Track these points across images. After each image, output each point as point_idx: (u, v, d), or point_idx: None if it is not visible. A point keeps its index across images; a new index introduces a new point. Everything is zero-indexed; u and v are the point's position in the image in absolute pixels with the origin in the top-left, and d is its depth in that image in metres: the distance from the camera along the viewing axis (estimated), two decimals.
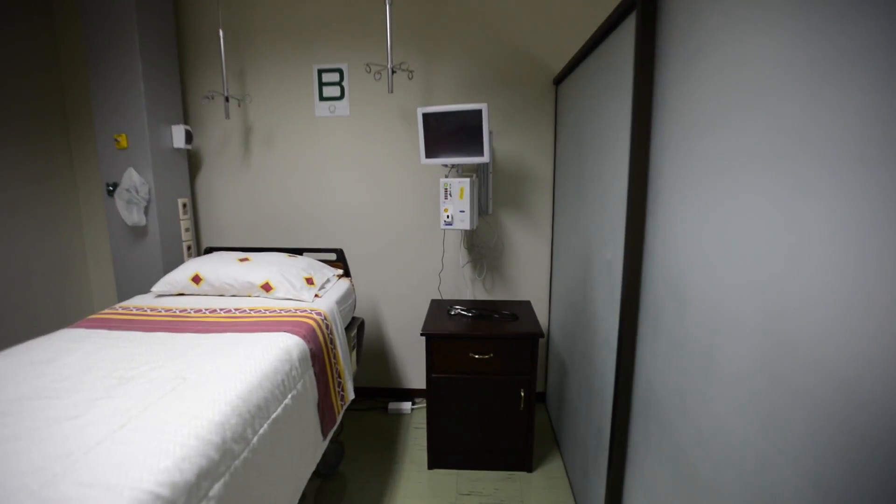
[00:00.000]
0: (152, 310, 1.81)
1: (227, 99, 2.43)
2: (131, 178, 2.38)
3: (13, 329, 2.50)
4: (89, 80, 2.40)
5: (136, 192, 2.38)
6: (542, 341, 2.81)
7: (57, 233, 2.75)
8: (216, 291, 1.95)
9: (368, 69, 2.31)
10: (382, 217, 2.75)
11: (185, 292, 1.97)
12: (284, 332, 1.56)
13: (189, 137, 2.60)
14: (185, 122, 2.74)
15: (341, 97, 2.65)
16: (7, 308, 2.49)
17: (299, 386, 1.44)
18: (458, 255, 2.72)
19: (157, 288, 1.97)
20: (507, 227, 2.68)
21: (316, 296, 1.95)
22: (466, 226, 2.31)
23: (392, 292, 2.83)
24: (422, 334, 2.12)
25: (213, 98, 2.59)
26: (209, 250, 2.44)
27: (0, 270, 2.45)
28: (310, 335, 1.61)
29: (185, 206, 2.69)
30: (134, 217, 2.40)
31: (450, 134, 2.24)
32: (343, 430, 2.58)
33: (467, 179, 2.28)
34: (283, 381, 1.35)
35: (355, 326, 2.24)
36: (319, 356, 1.63)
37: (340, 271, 2.29)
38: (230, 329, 1.59)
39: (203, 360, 1.34)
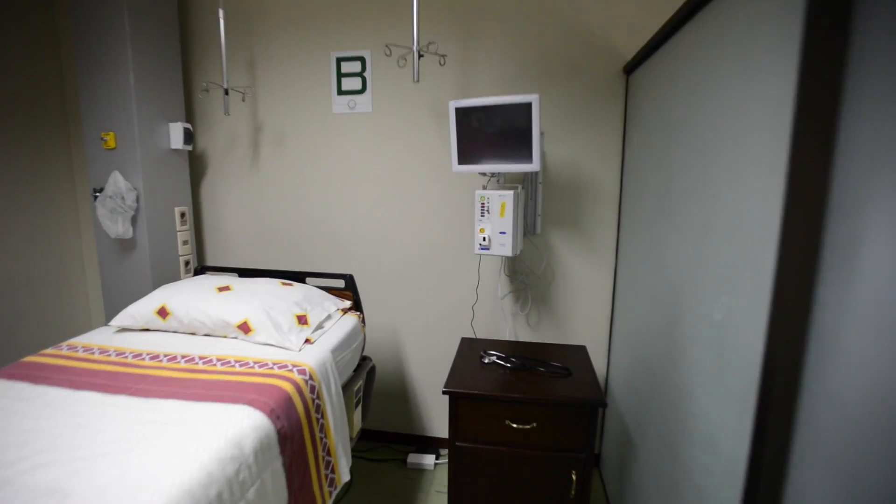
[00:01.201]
0: (102, 352, 1.43)
1: (226, 91, 2.05)
2: (116, 183, 2.05)
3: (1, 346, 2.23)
4: (76, 71, 2.10)
5: (122, 199, 2.05)
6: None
7: (54, 241, 2.49)
8: (187, 328, 1.55)
9: (388, 52, 1.87)
10: (407, 234, 2.30)
11: (151, 327, 1.58)
12: (245, 403, 1.12)
13: (189, 137, 2.26)
14: (188, 120, 2.41)
15: (363, 90, 2.23)
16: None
17: (251, 494, 0.99)
18: (496, 283, 2.22)
19: (117, 321, 1.59)
20: (558, 251, 2.15)
21: (307, 340, 1.51)
22: (508, 251, 1.81)
23: (416, 325, 2.37)
24: (444, 392, 1.64)
25: (208, 90, 2.22)
26: (201, 270, 2.06)
27: None
28: (282, 406, 1.16)
29: (183, 215, 2.34)
30: (119, 228, 2.07)
31: (490, 134, 1.76)
32: (351, 488, 2.13)
33: (510, 192, 1.78)
34: (220, 493, 0.90)
35: (363, 373, 1.79)
36: (295, 436, 1.18)
37: (348, 303, 1.85)
38: (178, 392, 1.17)
39: (108, 454, 0.92)
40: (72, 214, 2.59)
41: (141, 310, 1.58)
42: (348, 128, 2.28)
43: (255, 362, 1.35)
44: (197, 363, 1.34)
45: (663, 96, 1.53)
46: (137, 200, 2.11)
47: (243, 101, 2.29)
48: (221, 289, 1.62)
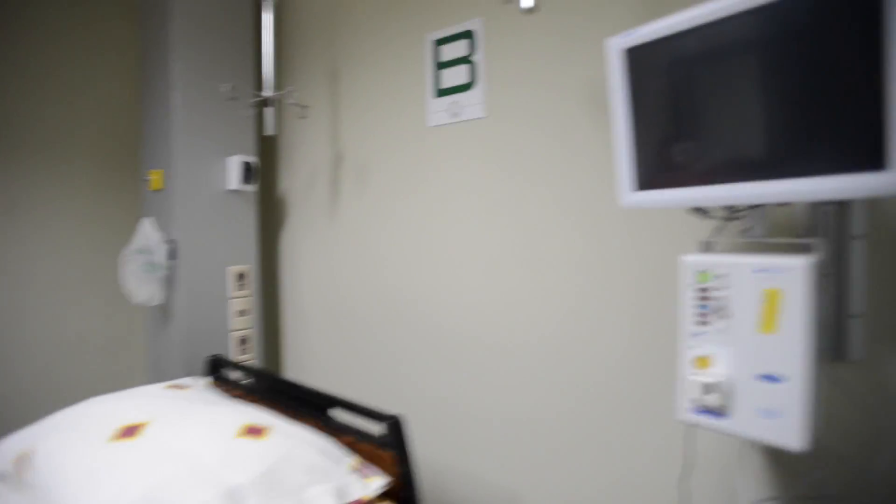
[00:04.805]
0: None
1: (264, 102, 1.40)
2: (145, 233, 1.56)
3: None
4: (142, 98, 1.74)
5: (151, 254, 1.54)
6: None
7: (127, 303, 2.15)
8: (47, 499, 0.79)
9: None
10: (541, 335, 1.24)
11: (13, 478, 0.88)
12: None
13: (251, 173, 1.69)
14: (265, 153, 1.87)
15: (470, 85, 1.35)
16: (57, 381, 1.90)
17: None
18: (736, 474, 0.97)
19: None
20: None
21: None
22: (792, 437, 0.62)
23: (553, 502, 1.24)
24: None
25: (236, 97, 1.48)
26: (214, 363, 1.37)
27: (56, 340, 1.89)
28: None
29: (241, 277, 1.75)
30: (146, 291, 1.55)
31: (730, 101, 0.65)
32: None
33: (797, 265, 0.61)
34: None
35: None
36: None
37: (375, 485, 0.87)
38: None
39: None
40: None
41: (5, 450, 0.89)
42: (449, 148, 1.41)
43: None
44: None
45: None
46: (174, 256, 1.58)
47: (303, 117, 1.63)
48: (126, 432, 0.83)
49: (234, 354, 1.74)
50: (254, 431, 0.87)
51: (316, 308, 1.84)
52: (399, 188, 1.54)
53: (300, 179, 1.86)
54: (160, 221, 1.61)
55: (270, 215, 1.96)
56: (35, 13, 1.70)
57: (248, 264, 1.78)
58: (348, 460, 0.89)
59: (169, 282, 1.59)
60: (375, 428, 0.98)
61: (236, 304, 1.75)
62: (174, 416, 0.89)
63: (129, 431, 0.84)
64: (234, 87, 1.43)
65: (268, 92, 1.40)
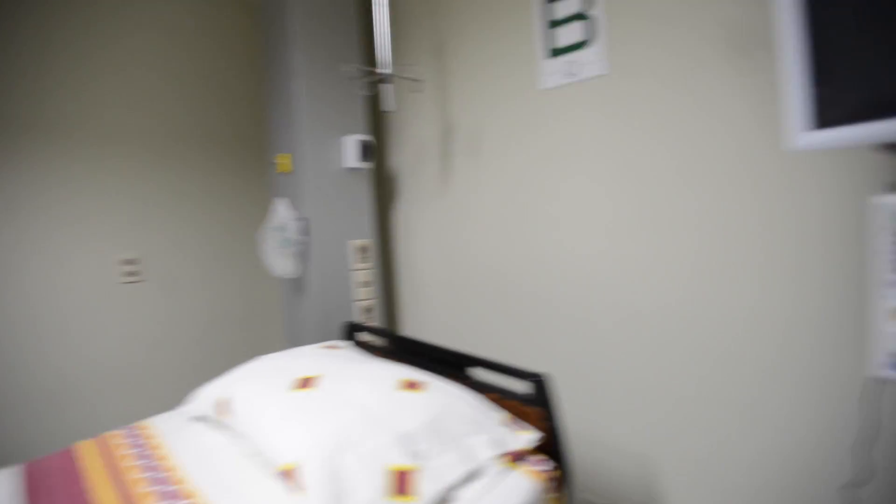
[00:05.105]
0: (142, 456, 0.94)
1: (380, 80, 1.45)
2: (279, 212, 1.71)
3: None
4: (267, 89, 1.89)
5: (288, 231, 1.69)
6: None
7: (264, 278, 2.40)
8: (244, 438, 0.93)
9: None
10: (679, 297, 1.20)
11: (213, 420, 1.04)
12: None
13: (368, 151, 1.78)
14: (375, 132, 1.95)
15: (588, 41, 1.29)
16: (210, 347, 2.20)
17: None
18: None
19: (188, 409, 1.11)
20: None
21: None
22: None
23: (696, 474, 1.21)
24: None
25: (355, 77, 1.56)
26: (351, 328, 1.49)
27: (206, 313, 2.18)
28: None
29: (363, 250, 1.87)
30: (283, 265, 1.72)
31: None
32: None
33: None
34: None
35: None
36: None
37: (525, 438, 0.91)
38: None
39: None
40: None
41: (203, 395, 1.06)
42: (567, 109, 1.38)
43: None
44: None
45: None
46: (305, 232, 1.72)
47: (418, 91, 1.67)
48: (303, 383, 0.94)
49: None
50: (413, 385, 0.94)
51: (432, 278, 1.92)
52: (514, 154, 1.53)
53: (411, 153, 1.92)
54: (291, 201, 1.76)
55: (383, 190, 2.06)
56: (162, 14, 1.90)
57: (368, 238, 1.90)
58: (499, 414, 0.93)
59: (301, 256, 1.75)
60: (515, 387, 1.01)
61: (359, 276, 1.87)
62: (340, 371, 1.00)
63: (306, 383, 0.95)
64: (354, 67, 1.51)
65: (384, 69, 1.46)
